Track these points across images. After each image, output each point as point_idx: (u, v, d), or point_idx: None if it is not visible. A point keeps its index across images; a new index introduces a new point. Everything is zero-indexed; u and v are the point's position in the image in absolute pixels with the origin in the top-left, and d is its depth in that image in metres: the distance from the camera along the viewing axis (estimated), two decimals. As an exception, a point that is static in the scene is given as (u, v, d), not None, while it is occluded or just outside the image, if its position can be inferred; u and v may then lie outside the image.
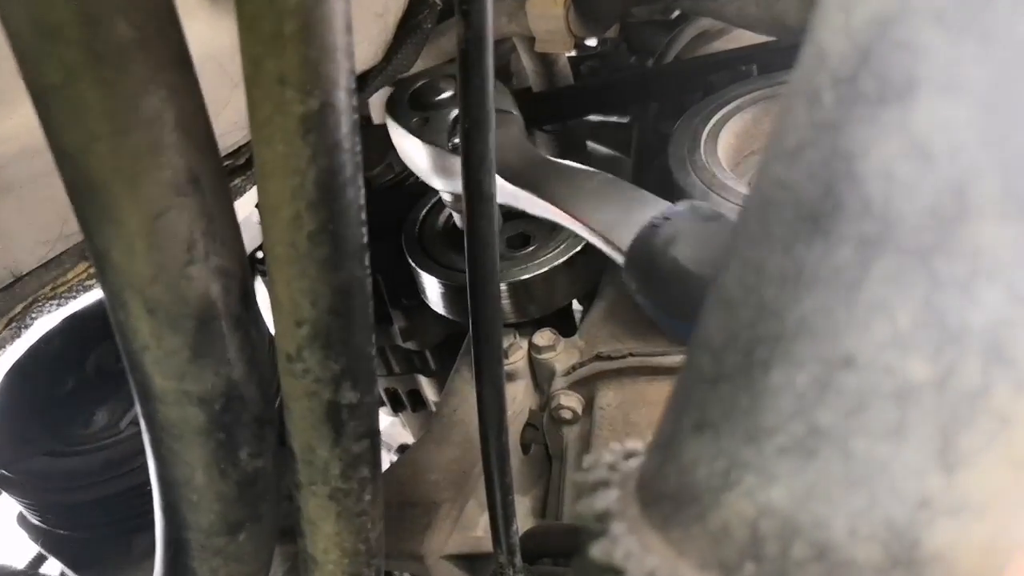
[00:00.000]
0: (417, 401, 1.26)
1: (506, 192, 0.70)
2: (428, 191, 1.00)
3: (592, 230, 0.63)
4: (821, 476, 0.18)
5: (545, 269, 0.84)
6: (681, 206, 0.60)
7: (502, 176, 0.69)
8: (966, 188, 0.16)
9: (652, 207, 0.60)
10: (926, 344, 0.17)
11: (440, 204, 0.98)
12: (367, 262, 0.34)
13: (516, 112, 0.77)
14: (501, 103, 0.76)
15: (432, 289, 0.90)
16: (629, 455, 0.25)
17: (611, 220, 0.61)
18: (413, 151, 0.76)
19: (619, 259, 0.60)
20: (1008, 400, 0.17)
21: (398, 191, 1.12)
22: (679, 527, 0.21)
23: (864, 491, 0.18)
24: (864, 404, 0.17)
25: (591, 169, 0.68)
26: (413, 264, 0.91)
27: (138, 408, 0.35)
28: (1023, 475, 0.18)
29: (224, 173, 0.33)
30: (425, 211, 0.98)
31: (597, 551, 0.21)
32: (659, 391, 0.79)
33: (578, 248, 0.85)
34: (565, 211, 0.65)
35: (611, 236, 0.61)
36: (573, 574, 0.24)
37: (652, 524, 0.21)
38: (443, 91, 0.79)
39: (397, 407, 1.29)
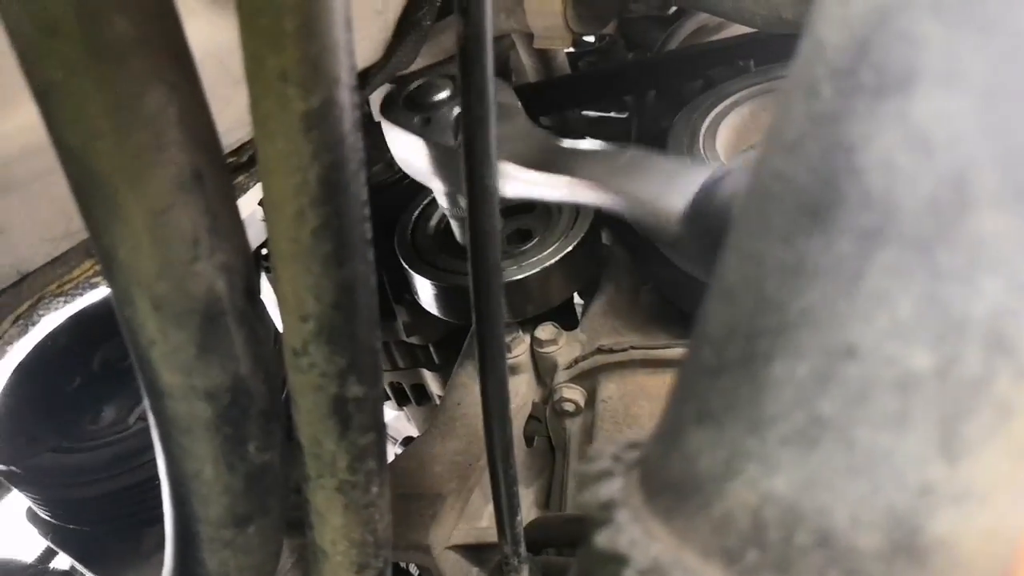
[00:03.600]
0: (421, 395, 1.26)
1: (527, 180, 0.67)
2: (424, 190, 1.00)
3: (638, 200, 0.61)
4: (823, 465, 0.18)
5: (539, 268, 0.83)
6: (732, 165, 0.60)
7: (519, 164, 0.67)
8: (966, 179, 0.16)
9: (695, 173, 0.59)
10: (927, 334, 0.17)
11: (432, 206, 0.98)
12: (371, 257, 0.34)
13: (519, 104, 0.76)
14: (503, 97, 0.75)
15: (425, 291, 0.90)
16: (632, 446, 0.25)
17: (656, 190, 0.60)
18: (414, 152, 0.75)
19: (670, 227, 0.59)
20: (1009, 389, 0.18)
21: (401, 188, 1.12)
22: (682, 516, 0.21)
23: (866, 479, 0.18)
24: (866, 394, 0.17)
25: (616, 146, 0.67)
26: (406, 266, 0.91)
27: (146, 403, 0.35)
28: (1024, 463, 0.19)
29: (227, 169, 0.33)
30: (417, 213, 0.98)
31: (602, 539, 0.21)
32: (660, 384, 0.80)
33: (571, 247, 0.84)
34: (602, 188, 0.63)
35: (659, 204, 0.59)
36: (577, 563, 0.24)
37: (655, 513, 0.21)
38: (440, 91, 0.78)
39: (402, 401, 1.29)
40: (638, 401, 0.78)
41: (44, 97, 0.27)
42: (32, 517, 0.76)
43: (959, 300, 0.17)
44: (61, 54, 0.26)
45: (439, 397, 1.22)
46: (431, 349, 1.14)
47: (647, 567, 0.20)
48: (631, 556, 0.20)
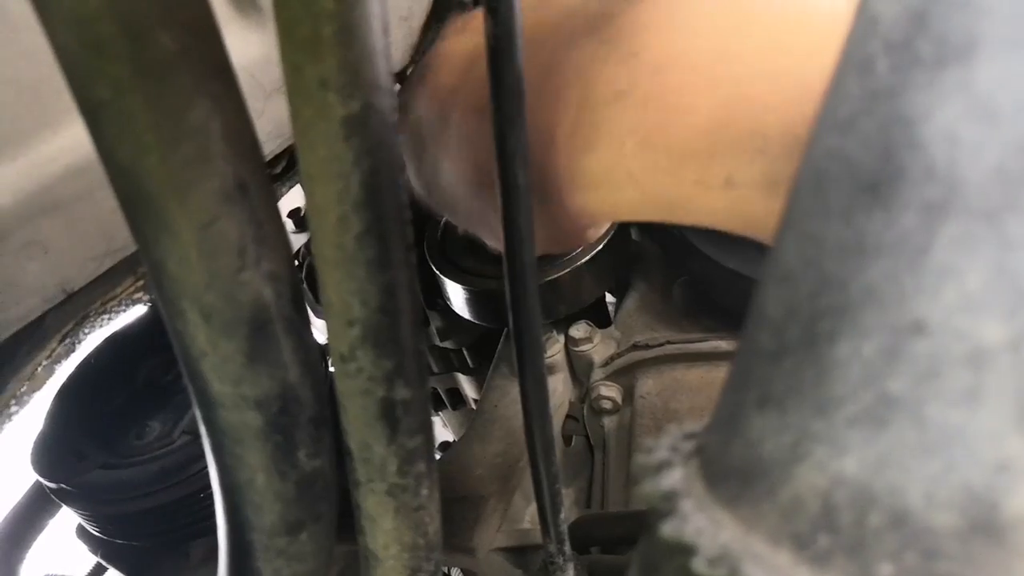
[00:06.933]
0: (457, 399, 1.27)
1: None
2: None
3: None
4: (894, 444, 0.18)
5: (570, 268, 0.83)
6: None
7: None
8: (1033, 146, 0.16)
9: None
10: (999, 306, 0.17)
11: None
12: (413, 260, 0.34)
13: None
14: None
15: (456, 296, 0.90)
16: (689, 436, 0.25)
17: None
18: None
19: None
20: (1083, 359, 0.17)
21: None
22: (748, 503, 0.21)
23: (940, 457, 0.17)
24: (936, 370, 0.17)
25: None
26: (436, 271, 0.91)
27: (198, 414, 0.36)
28: (1101, 434, 0.18)
29: (269, 179, 0.33)
30: (445, 219, 0.98)
31: (667, 530, 0.21)
32: (697, 377, 0.79)
33: (602, 245, 0.84)
34: None
35: None
36: (639, 556, 0.24)
37: (720, 501, 0.21)
38: None
39: (437, 407, 1.30)
40: (676, 396, 0.78)
41: (93, 116, 0.28)
42: (81, 534, 0.77)
43: (1030, 270, 0.16)
44: (109, 73, 0.26)
45: (475, 401, 1.22)
46: (465, 353, 1.14)
47: (716, 555, 0.20)
48: (699, 545, 0.20)
